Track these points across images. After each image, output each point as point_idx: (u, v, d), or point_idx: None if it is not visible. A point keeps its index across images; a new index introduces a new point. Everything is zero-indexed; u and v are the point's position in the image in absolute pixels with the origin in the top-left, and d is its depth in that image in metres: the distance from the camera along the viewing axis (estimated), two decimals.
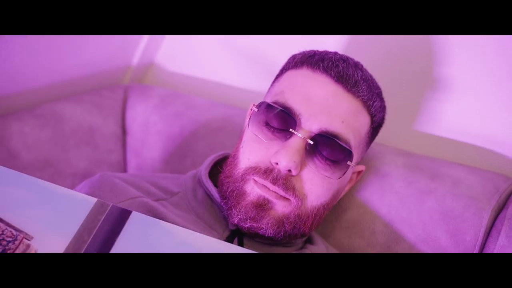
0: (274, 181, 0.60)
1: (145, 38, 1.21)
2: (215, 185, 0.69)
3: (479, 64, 0.88)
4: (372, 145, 0.81)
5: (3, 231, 0.53)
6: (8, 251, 0.51)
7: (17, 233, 0.53)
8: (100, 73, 1.18)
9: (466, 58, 0.90)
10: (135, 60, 1.25)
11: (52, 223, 0.55)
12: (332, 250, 0.74)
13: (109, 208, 0.57)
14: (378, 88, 0.69)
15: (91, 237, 0.53)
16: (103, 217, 0.55)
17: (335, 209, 0.79)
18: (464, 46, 0.90)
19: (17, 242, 0.52)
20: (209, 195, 0.68)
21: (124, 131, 1.05)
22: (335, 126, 0.61)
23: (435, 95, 0.91)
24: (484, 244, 0.67)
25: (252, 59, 1.14)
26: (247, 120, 0.69)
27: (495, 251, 0.65)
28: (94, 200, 0.57)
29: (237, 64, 1.16)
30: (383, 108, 0.70)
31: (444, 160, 0.83)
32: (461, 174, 0.76)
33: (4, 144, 0.84)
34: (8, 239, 0.52)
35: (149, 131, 1.01)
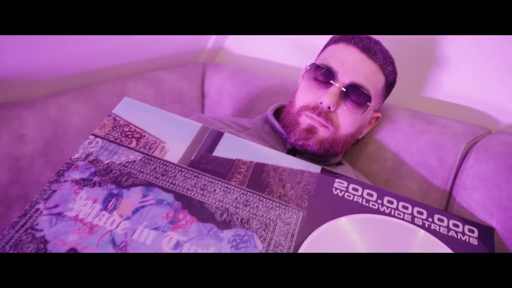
0: (319, 114, 0.82)
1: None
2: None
3: (469, 49, 1.02)
4: (388, 104, 1.01)
5: (147, 138, 0.77)
6: (151, 149, 0.75)
7: (156, 139, 0.77)
8: (184, 53, 1.37)
9: (459, 45, 1.04)
10: (209, 44, 1.43)
11: (177, 136, 0.77)
12: (356, 170, 0.94)
13: (209, 130, 0.80)
14: (391, 58, 0.89)
15: (201, 144, 0.77)
16: (207, 135, 0.78)
17: (359, 145, 0.98)
18: (458, 39, 1.03)
19: (156, 145, 0.75)
20: (273, 128, 0.91)
21: (203, 95, 1.26)
22: (360, 80, 0.83)
23: (436, 70, 1.07)
24: (460, 165, 0.85)
25: (298, 43, 1.30)
26: (300, 79, 0.92)
27: (466, 169, 0.81)
28: (200, 124, 0.81)
29: (288, 48, 1.32)
30: (394, 72, 0.90)
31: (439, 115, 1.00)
32: (449, 122, 0.93)
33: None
34: (151, 142, 0.76)
35: (223, 95, 1.21)
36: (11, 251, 0.58)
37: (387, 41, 0.93)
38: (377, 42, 0.87)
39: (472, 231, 0.73)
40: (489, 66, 0.99)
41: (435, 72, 1.07)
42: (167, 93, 1.15)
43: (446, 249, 0.69)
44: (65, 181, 0.67)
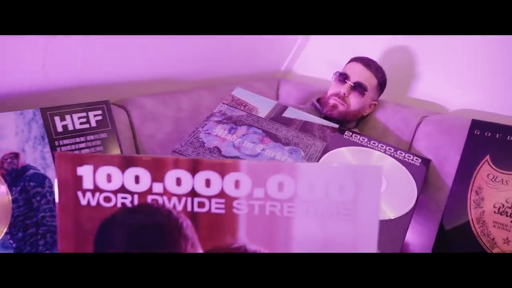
0: (339, 98, 1.31)
1: (287, 58, 1.89)
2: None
3: (433, 65, 1.44)
4: (382, 99, 1.44)
5: (249, 106, 1.33)
6: (251, 110, 1.32)
7: (253, 106, 1.33)
8: (267, 72, 1.87)
9: (427, 63, 1.45)
10: (283, 68, 1.92)
11: (264, 105, 1.29)
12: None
13: (281, 104, 1.35)
14: (382, 70, 1.35)
15: (276, 110, 1.32)
16: (279, 106, 1.34)
17: (365, 120, 1.42)
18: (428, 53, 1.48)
19: (254, 109, 1.32)
20: (315, 107, 1.42)
21: (277, 97, 1.76)
22: (361, 80, 1.30)
23: (413, 80, 1.50)
24: (416, 128, 1.28)
25: (334, 67, 1.82)
26: (332, 79, 1.45)
27: (418, 130, 1.27)
28: (276, 101, 1.37)
29: (327, 70, 1.84)
30: (384, 78, 1.35)
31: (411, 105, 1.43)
32: (415, 108, 1.36)
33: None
34: (251, 107, 1.32)
35: (289, 97, 1.69)
36: (188, 145, 1.16)
37: (386, 55, 1.44)
38: (373, 61, 1.36)
39: (418, 160, 1.21)
40: (447, 73, 1.42)
41: (411, 82, 1.51)
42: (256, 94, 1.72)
43: (392, 160, 1.19)
44: (210, 120, 1.24)
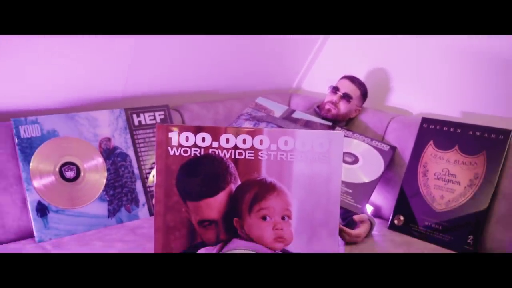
0: (332, 103, 1.67)
1: (297, 78, 2.23)
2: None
3: (400, 83, 1.84)
4: (365, 107, 1.82)
5: (268, 109, 1.71)
6: (270, 112, 1.70)
7: (271, 110, 1.72)
8: (281, 89, 2.21)
9: (397, 82, 1.81)
10: (294, 85, 2.25)
11: (278, 109, 1.72)
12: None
13: (290, 109, 1.74)
14: (364, 84, 1.69)
15: (287, 112, 1.70)
16: (289, 110, 1.72)
17: (352, 121, 1.74)
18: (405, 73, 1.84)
19: (271, 111, 1.71)
20: (316, 111, 1.76)
21: (289, 105, 2.20)
22: (348, 91, 1.65)
23: (387, 93, 1.83)
24: (387, 125, 1.62)
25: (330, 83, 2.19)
26: (327, 91, 1.82)
27: (388, 127, 1.66)
28: (287, 107, 1.75)
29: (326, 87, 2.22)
30: (365, 90, 1.70)
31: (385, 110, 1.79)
32: (389, 113, 1.69)
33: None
34: (269, 110, 1.71)
35: (298, 106, 2.07)
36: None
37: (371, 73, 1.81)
38: (358, 78, 1.70)
39: (387, 146, 1.56)
40: (410, 89, 1.79)
41: (386, 94, 1.85)
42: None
43: (368, 146, 1.55)
44: (240, 118, 1.63)
